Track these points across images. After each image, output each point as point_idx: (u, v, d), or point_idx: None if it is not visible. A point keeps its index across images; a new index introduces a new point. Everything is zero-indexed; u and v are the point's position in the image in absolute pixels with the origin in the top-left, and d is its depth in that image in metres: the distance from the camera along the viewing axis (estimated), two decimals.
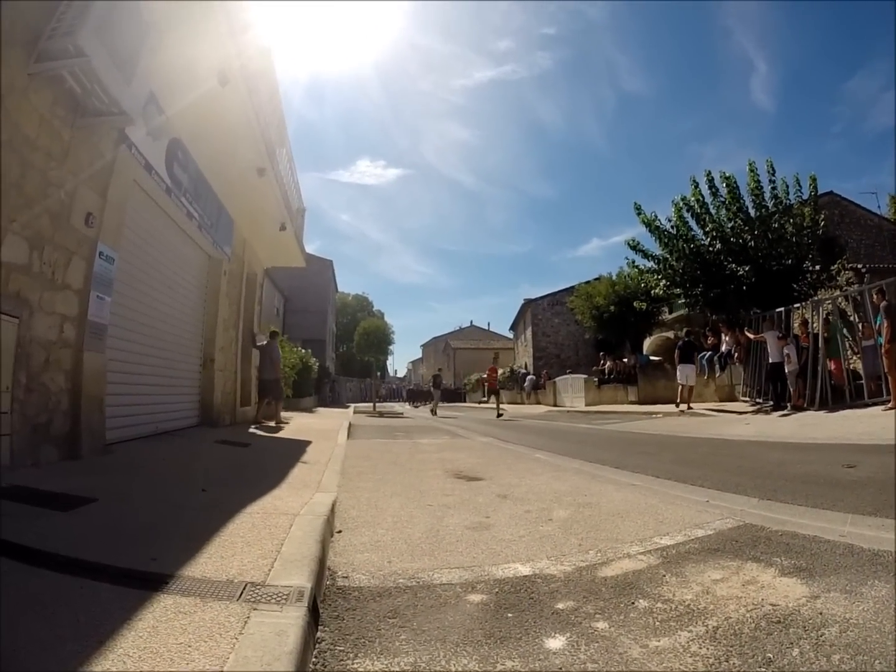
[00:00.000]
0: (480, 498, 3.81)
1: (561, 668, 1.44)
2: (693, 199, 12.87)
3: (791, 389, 10.16)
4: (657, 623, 1.70)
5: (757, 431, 7.83)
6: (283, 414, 13.54)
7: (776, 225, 12.23)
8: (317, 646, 1.58)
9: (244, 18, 5.81)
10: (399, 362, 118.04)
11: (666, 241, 13.04)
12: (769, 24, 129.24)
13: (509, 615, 1.81)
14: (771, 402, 10.81)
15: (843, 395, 9.61)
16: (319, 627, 1.69)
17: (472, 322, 69.60)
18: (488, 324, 70.10)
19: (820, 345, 9.93)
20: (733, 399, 13.32)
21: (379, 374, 67.88)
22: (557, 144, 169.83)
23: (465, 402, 40.03)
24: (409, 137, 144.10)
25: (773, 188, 12.51)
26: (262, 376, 10.60)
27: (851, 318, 10.73)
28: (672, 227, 13.04)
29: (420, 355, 79.31)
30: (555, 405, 23.83)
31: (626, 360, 19.75)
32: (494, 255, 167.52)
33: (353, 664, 1.48)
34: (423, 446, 7.73)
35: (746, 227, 12.30)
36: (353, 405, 28.33)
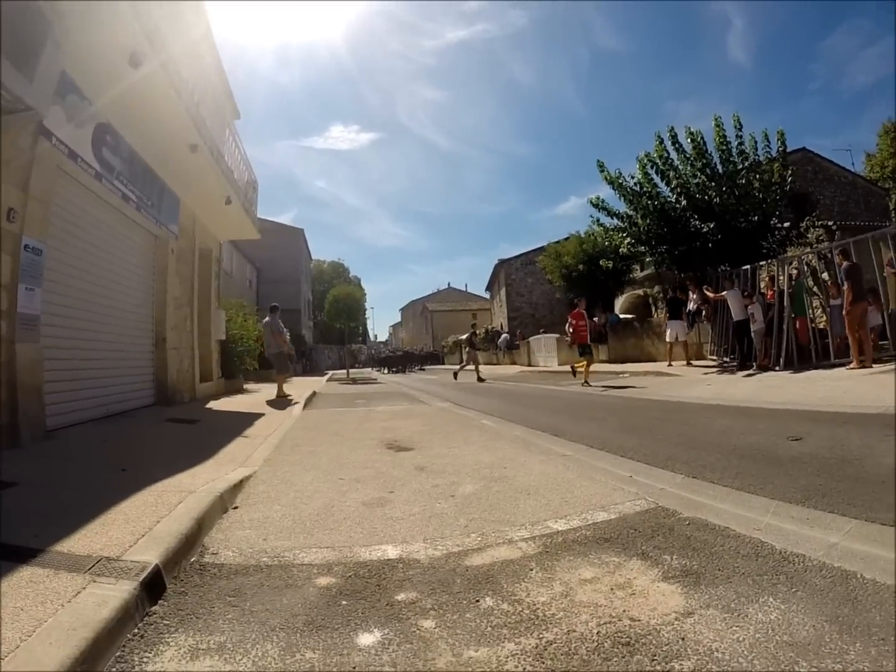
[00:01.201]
0: (396, 471, 3.84)
1: (355, 668, 1.40)
2: (656, 155, 12.72)
3: (757, 348, 10.20)
4: (489, 628, 1.58)
5: (714, 394, 7.80)
6: (254, 386, 13.87)
7: (743, 181, 12.14)
8: (145, 618, 1.70)
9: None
10: (381, 327, 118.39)
11: (630, 198, 12.96)
12: None
13: (343, 602, 1.80)
14: (737, 361, 10.92)
15: (809, 354, 9.61)
16: (161, 602, 1.83)
17: (449, 284, 69.64)
18: (465, 285, 69.91)
19: (785, 303, 9.93)
20: (702, 357, 13.63)
21: (361, 339, 68.12)
22: (534, 104, 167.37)
23: (443, 363, 40.35)
24: (381, 101, 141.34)
25: (741, 144, 12.37)
26: (266, 352, 11.27)
27: (822, 277, 10.73)
28: (635, 184, 12.95)
29: (400, 319, 79.36)
30: (529, 365, 24.24)
31: (595, 318, 19.99)
32: (473, 216, 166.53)
33: (168, 638, 1.58)
34: (375, 414, 7.87)
35: (712, 184, 12.18)
36: (330, 372, 28.57)
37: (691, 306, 12.83)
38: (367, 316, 73.30)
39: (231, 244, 25.68)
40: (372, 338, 69.89)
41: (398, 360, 34.37)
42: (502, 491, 3.16)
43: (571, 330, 11.07)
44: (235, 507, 3.07)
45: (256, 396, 11.04)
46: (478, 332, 21.29)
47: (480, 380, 15.79)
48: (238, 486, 3.45)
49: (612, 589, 1.81)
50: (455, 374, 17.57)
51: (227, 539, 2.51)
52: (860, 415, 5.07)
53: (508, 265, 35.31)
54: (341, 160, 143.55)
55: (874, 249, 9.22)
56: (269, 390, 12.41)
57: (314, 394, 11.92)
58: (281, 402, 9.69)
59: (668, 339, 13.12)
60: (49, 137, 5.37)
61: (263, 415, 7.73)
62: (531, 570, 2.02)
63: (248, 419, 7.15)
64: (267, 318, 11.24)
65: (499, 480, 3.41)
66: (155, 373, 8.47)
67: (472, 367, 17.14)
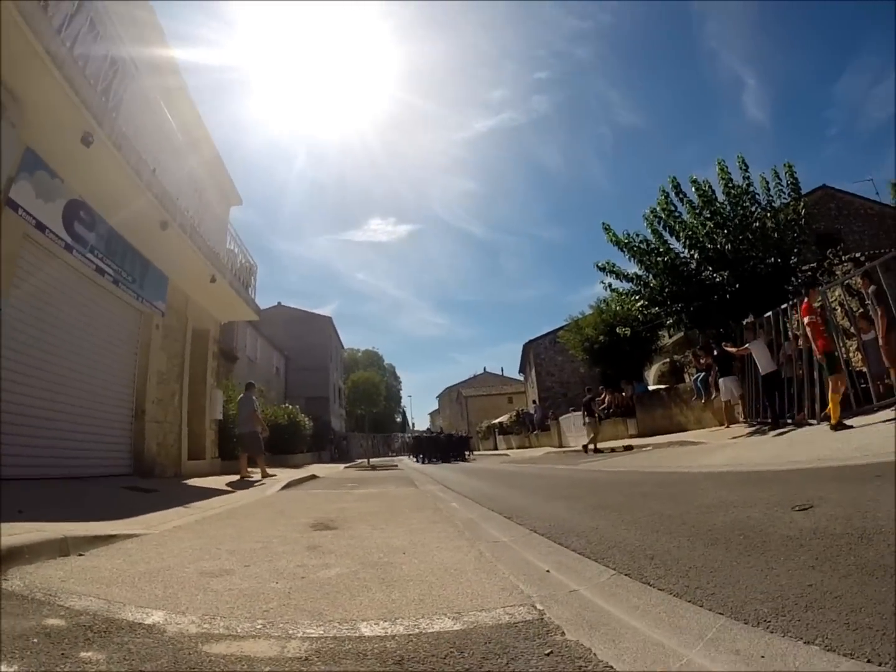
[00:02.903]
0: (285, 548, 3.51)
1: None
2: (661, 209, 12.10)
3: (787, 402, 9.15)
4: None
5: (730, 459, 6.87)
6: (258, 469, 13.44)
7: (756, 223, 11.37)
8: None
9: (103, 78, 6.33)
10: (422, 415, 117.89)
11: (639, 258, 12.18)
12: (751, 39, 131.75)
13: (34, 640, 1.70)
14: (770, 419, 9.67)
15: (848, 401, 8.17)
16: None
17: (485, 369, 69.18)
18: (501, 369, 69.25)
19: (813, 347, 8.49)
20: (734, 420, 12.15)
21: (407, 426, 67.87)
22: (562, 186, 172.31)
23: (477, 449, 37.99)
24: (415, 193, 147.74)
25: (749, 185, 11.72)
26: (237, 430, 10.73)
27: (855, 311, 9.22)
28: (641, 241, 12.21)
29: (437, 406, 78.98)
30: (560, 445, 23.18)
31: (623, 392, 19.15)
32: (510, 302, 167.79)
33: None
34: (346, 496, 7.46)
35: (723, 231, 11.38)
36: (360, 460, 27.98)
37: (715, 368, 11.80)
38: (403, 405, 73.44)
39: (255, 331, 26.40)
40: (410, 425, 69.42)
41: (427, 444, 27.71)
42: (367, 579, 2.67)
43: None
44: (80, 554, 2.97)
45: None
46: (600, 398, 18.40)
47: (597, 450, 14.20)
48: (107, 539, 3.33)
49: None
50: (585, 447, 15.24)
51: (32, 571, 2.49)
52: None
53: (536, 345, 34.63)
54: (380, 252, 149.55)
55: None
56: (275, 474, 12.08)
57: (312, 476, 11.45)
58: (247, 482, 9.15)
59: (723, 398, 11.78)
60: (15, 209, 5.68)
61: (232, 491, 7.35)
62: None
63: (209, 493, 6.87)
64: (241, 396, 10.89)
65: (379, 567, 2.93)
66: (132, 443, 8.32)
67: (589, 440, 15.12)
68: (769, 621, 1.67)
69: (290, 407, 21.08)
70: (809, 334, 7.81)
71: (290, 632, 1.90)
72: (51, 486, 5.71)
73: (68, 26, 5.89)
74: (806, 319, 7.90)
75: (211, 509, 5.47)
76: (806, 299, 8.08)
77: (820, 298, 8.85)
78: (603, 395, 19.18)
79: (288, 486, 8.79)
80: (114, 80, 6.99)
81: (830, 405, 7.21)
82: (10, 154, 5.41)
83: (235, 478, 9.44)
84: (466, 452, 27.72)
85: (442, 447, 26.75)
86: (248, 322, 21.12)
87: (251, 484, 8.86)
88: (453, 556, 3.15)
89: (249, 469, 10.09)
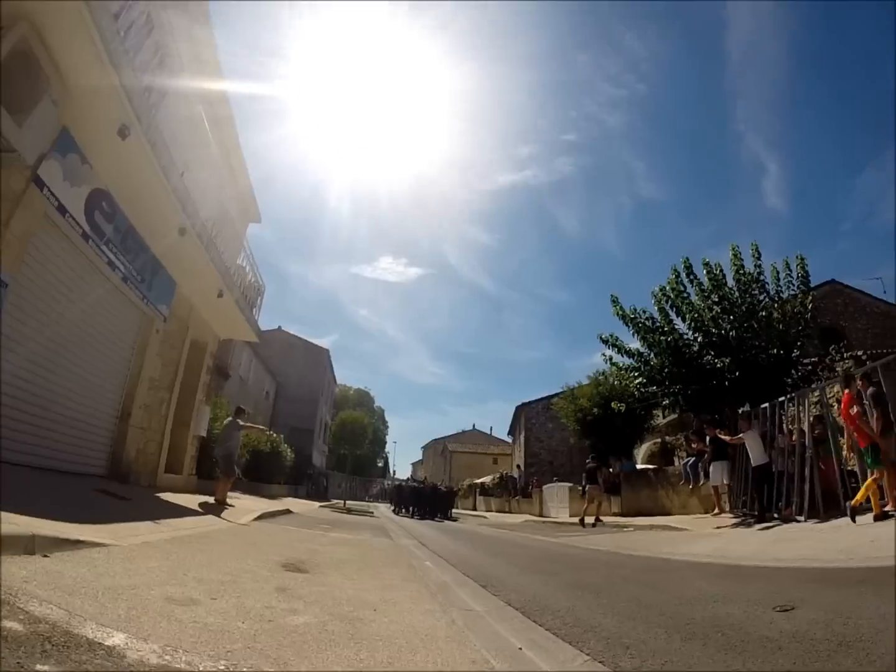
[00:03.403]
0: (254, 585, 3.38)
1: None
2: (670, 288, 12.04)
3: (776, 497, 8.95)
4: None
5: (713, 550, 6.63)
6: (236, 494, 12.96)
7: (763, 313, 11.39)
8: None
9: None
10: (404, 463, 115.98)
11: (643, 334, 12.06)
12: (779, 126, 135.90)
13: None
14: (756, 511, 9.52)
15: (838, 500, 8.11)
16: None
17: (474, 426, 67.76)
18: (490, 428, 68.37)
19: (807, 442, 8.69)
20: (723, 509, 11.79)
21: (388, 472, 66.41)
22: (574, 249, 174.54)
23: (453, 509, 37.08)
24: (432, 238, 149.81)
25: (761, 274, 11.76)
26: (216, 451, 10.17)
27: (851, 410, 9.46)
28: (647, 318, 12.14)
29: (421, 457, 77.69)
30: (540, 515, 22.62)
31: (611, 467, 18.77)
32: (509, 360, 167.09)
33: None
34: (323, 538, 7.23)
35: (730, 317, 11.37)
36: (335, 501, 27.21)
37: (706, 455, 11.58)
38: (387, 450, 72.23)
39: (251, 351, 26.16)
40: (392, 472, 68.03)
41: (409, 495, 24.18)
42: (335, 632, 2.50)
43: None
44: (45, 556, 2.86)
45: (240, 503, 10.28)
46: (608, 468, 17.02)
47: (598, 521, 13.48)
48: (74, 544, 3.21)
49: None
50: (581, 521, 13.85)
51: None
52: (882, 569, 4.01)
53: (529, 408, 34.11)
54: (387, 292, 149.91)
55: None
56: (249, 502, 11.64)
57: (287, 510, 11.09)
58: (216, 507, 8.66)
59: (712, 483, 11.52)
60: (41, 187, 5.65)
61: (204, 514, 7.05)
62: None
63: (182, 512, 6.63)
64: (228, 419, 10.38)
65: (348, 621, 2.77)
66: (113, 445, 8.07)
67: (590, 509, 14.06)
68: None
69: (275, 435, 20.64)
70: (855, 424, 7.57)
71: None
72: (23, 474, 5.52)
73: (124, 15, 5.97)
74: (855, 409, 7.65)
75: (183, 529, 5.28)
76: (847, 390, 7.89)
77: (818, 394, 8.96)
78: (611, 464, 18.54)
79: (261, 517, 8.50)
80: (158, 76, 7.12)
81: (872, 497, 7.00)
82: (46, 132, 5.45)
83: (210, 500, 9.10)
84: (451, 510, 25.89)
85: (426, 500, 23.33)
86: (247, 341, 20.96)
87: (223, 509, 8.49)
88: (425, 620, 3.05)
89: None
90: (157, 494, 8.20)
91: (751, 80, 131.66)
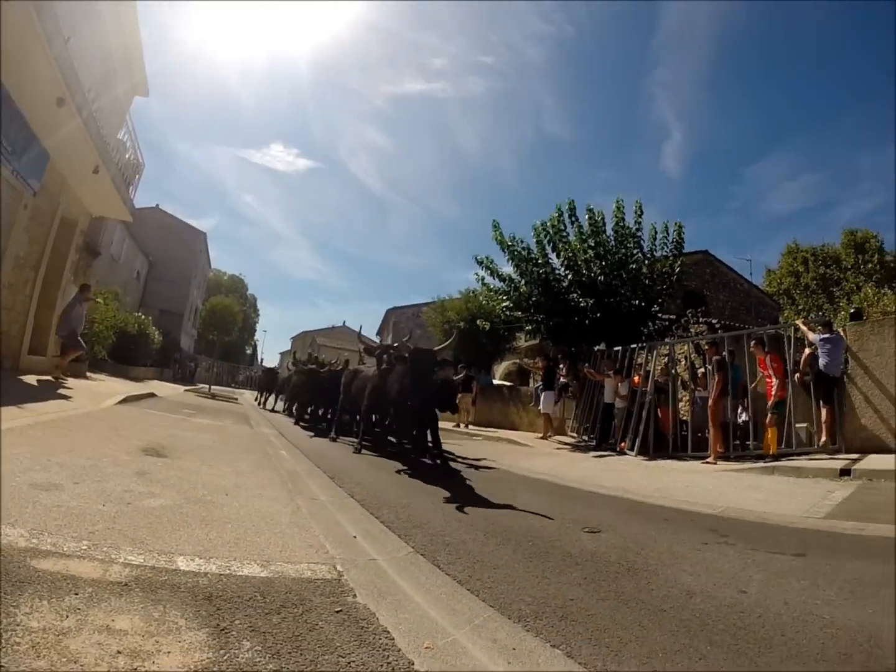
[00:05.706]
0: (114, 469, 3.54)
1: None
2: (551, 225, 12.47)
3: (616, 425, 10.10)
4: None
5: (549, 468, 7.25)
6: (102, 376, 12.79)
7: (633, 265, 12.14)
8: None
9: None
10: (272, 352, 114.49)
11: (517, 262, 12.53)
12: (692, 100, 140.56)
13: None
14: (595, 441, 10.71)
15: (667, 444, 9.21)
16: None
17: (344, 322, 66.91)
18: (360, 327, 68.56)
19: (649, 388, 9.71)
20: (563, 433, 13.17)
21: (256, 360, 65.17)
22: (470, 169, 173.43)
23: None
24: (326, 131, 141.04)
25: (638, 229, 12.43)
26: (56, 331, 10.02)
27: (699, 370, 10.14)
28: (523, 248, 12.58)
29: (290, 347, 77.02)
30: None
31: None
32: (390, 264, 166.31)
33: None
34: (185, 423, 7.45)
35: (602, 263, 12.02)
36: (201, 385, 27.06)
37: (560, 381, 12.56)
38: (256, 338, 70.89)
39: (125, 229, 24.40)
40: (259, 360, 66.93)
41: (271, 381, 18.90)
42: (188, 514, 2.81)
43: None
44: None
45: (88, 384, 10.22)
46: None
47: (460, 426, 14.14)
48: None
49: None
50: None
51: None
52: (687, 512, 4.59)
53: (399, 312, 34.47)
54: (274, 180, 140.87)
55: (749, 349, 8.78)
56: (114, 384, 11.59)
57: (151, 394, 11.18)
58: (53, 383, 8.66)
59: (542, 410, 12.62)
60: None
61: (66, 397, 7.15)
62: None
63: (45, 394, 6.66)
64: (74, 295, 10.18)
65: (202, 504, 3.07)
66: None
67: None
68: (528, 621, 1.96)
69: (143, 317, 19.96)
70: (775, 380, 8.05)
71: (113, 556, 2.03)
72: None
73: None
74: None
75: (45, 413, 5.31)
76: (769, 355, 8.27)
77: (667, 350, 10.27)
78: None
79: (125, 400, 8.56)
80: None
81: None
82: None
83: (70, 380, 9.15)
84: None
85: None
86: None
87: (60, 385, 8.53)
88: (272, 505, 3.35)
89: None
90: (21, 377, 8.05)
91: (676, 52, 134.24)
